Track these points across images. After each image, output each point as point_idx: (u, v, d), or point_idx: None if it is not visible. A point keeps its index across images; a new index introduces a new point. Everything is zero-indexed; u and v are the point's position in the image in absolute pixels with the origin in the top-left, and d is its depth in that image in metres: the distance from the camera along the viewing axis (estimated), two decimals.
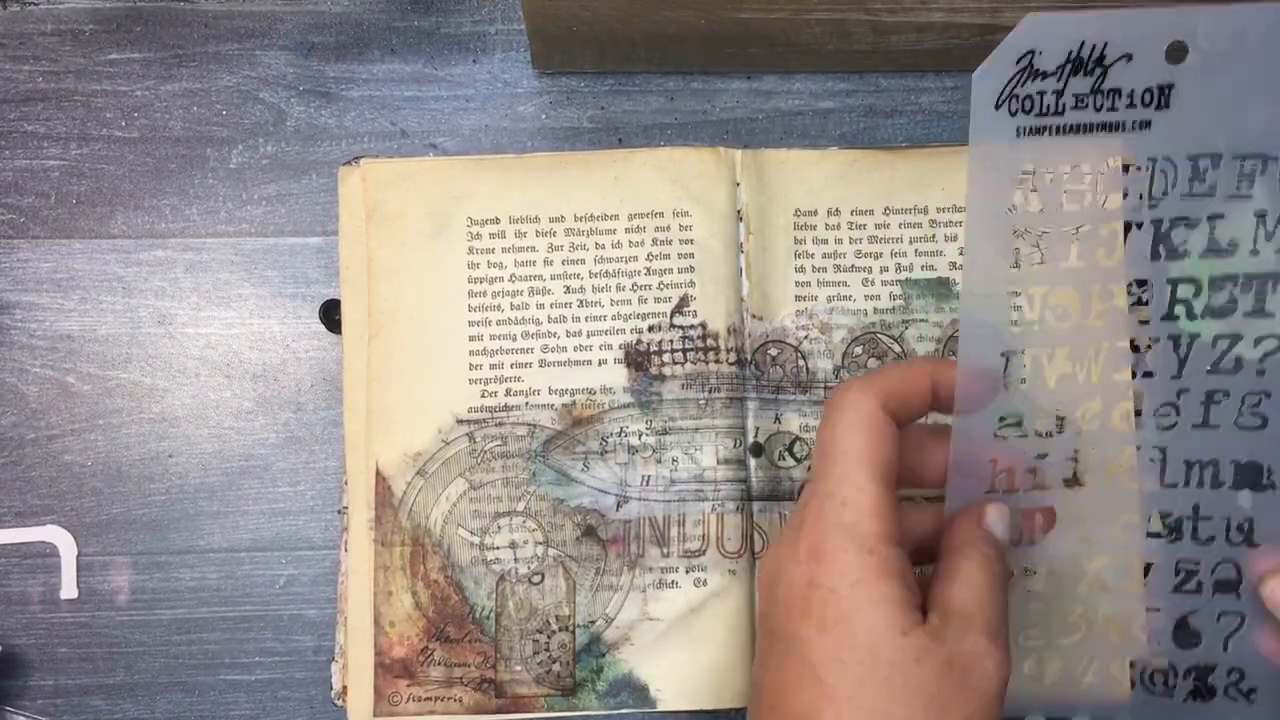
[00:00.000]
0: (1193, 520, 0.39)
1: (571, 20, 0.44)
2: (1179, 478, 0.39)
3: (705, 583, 0.44)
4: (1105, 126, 0.35)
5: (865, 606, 0.32)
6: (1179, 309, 0.38)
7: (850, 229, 0.46)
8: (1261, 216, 0.37)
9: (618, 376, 0.45)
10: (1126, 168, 0.37)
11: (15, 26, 0.49)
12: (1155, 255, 0.37)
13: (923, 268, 0.46)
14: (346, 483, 0.45)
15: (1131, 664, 0.40)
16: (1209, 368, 0.39)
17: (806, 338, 0.45)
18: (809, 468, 0.45)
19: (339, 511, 0.47)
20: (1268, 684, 0.39)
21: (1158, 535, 0.39)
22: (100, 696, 0.46)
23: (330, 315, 0.46)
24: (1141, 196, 0.36)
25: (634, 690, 0.44)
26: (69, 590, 0.46)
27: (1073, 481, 0.39)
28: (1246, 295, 0.38)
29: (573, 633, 0.44)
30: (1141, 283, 0.38)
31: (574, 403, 0.45)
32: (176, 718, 0.46)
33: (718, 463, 0.44)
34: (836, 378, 0.46)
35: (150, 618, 0.46)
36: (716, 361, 0.45)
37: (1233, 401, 0.39)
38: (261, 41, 0.49)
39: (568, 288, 0.45)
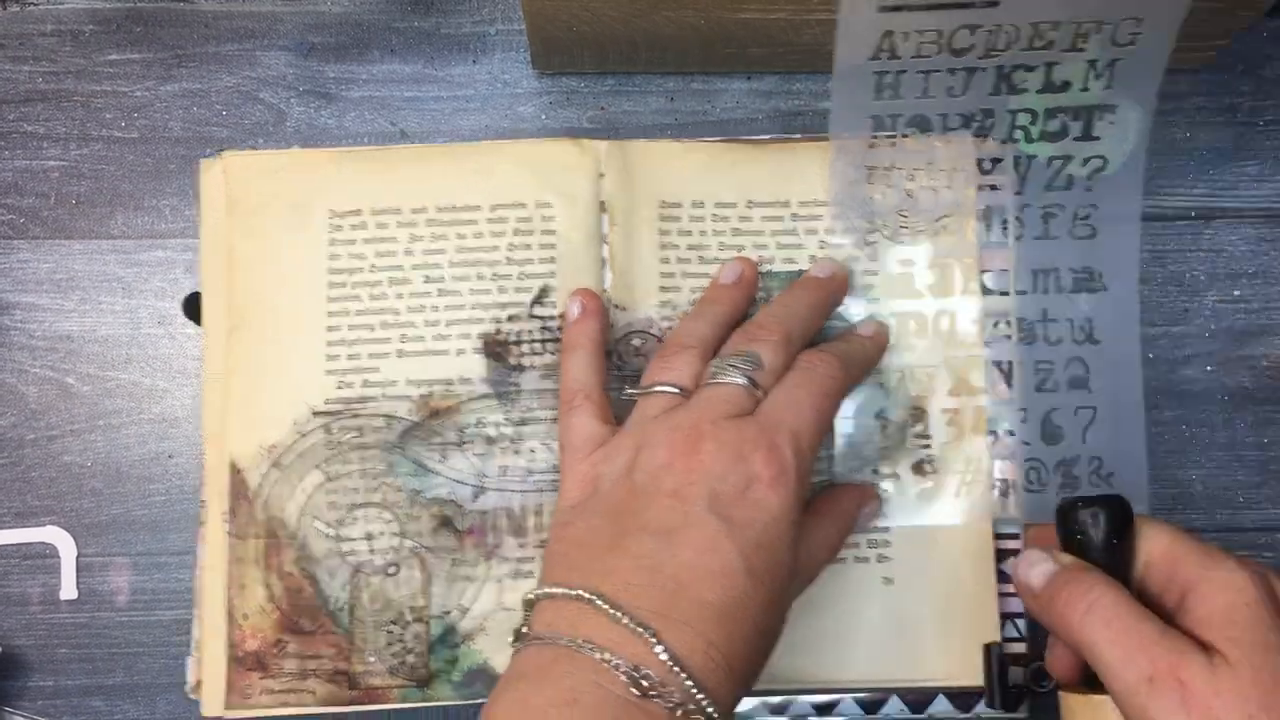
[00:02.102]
0: (1043, 323, 0.45)
1: (571, 21, 0.44)
2: (1027, 285, 0.46)
3: None
4: (957, 5, 0.41)
5: None
6: (1018, 133, 0.45)
7: (714, 221, 0.46)
8: (1093, 63, 0.43)
9: (476, 367, 0.45)
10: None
11: (15, 27, 0.49)
12: (997, 91, 0.44)
13: (784, 260, 0.46)
14: (204, 476, 0.45)
15: (1008, 481, 0.45)
16: (1045, 186, 0.46)
17: (670, 328, 0.45)
18: None
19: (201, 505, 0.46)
20: (1122, 467, 0.45)
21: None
22: (100, 697, 0.46)
23: (193, 307, 0.46)
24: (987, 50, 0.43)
25: (489, 680, 0.43)
26: (69, 591, 0.46)
27: None
28: (1077, 123, 0.45)
29: (427, 624, 0.44)
30: (987, 112, 0.45)
31: (431, 393, 0.45)
32: (176, 718, 0.46)
33: None
34: None
35: (150, 618, 0.46)
36: None
37: (1067, 214, 0.46)
38: (261, 42, 0.49)
39: (427, 277, 0.45)
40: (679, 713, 0.32)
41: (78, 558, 0.47)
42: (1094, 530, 0.36)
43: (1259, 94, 0.49)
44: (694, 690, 0.33)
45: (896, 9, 0.40)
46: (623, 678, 0.32)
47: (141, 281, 0.48)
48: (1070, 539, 0.37)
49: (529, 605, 0.36)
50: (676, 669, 0.33)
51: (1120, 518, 0.36)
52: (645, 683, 0.32)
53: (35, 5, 0.49)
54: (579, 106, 0.49)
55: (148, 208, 0.48)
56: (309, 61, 0.49)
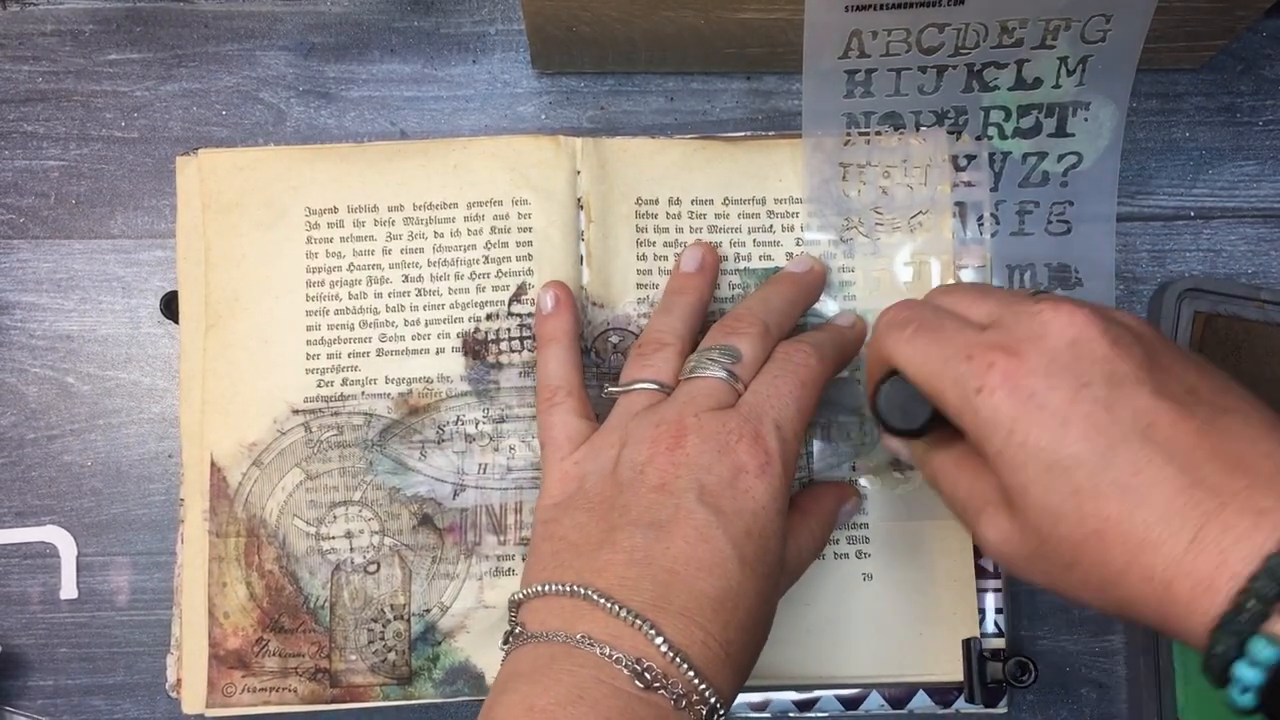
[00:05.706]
0: None
1: (571, 20, 0.44)
2: (1003, 281, 0.47)
3: None
4: (923, 3, 0.41)
5: None
6: (992, 130, 0.46)
7: (691, 218, 0.46)
8: (1064, 59, 0.44)
9: (455, 365, 0.45)
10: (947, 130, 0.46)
11: (15, 27, 0.49)
12: (969, 89, 0.45)
13: (760, 257, 0.46)
14: (183, 475, 0.45)
15: None
16: (1020, 182, 0.46)
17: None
18: None
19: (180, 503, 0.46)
20: None
21: None
22: (100, 696, 0.46)
23: (171, 306, 0.46)
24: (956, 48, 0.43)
25: (470, 678, 0.43)
26: (69, 590, 0.46)
27: None
28: (1050, 120, 0.45)
29: (408, 621, 0.44)
30: (960, 110, 0.45)
31: (410, 391, 0.45)
32: (176, 717, 0.46)
33: None
34: None
35: (150, 617, 0.46)
36: None
37: (1042, 210, 0.46)
38: (261, 42, 0.49)
39: (406, 276, 0.45)
40: (683, 704, 0.32)
41: (78, 557, 0.47)
42: (899, 422, 0.36)
43: (1258, 94, 0.49)
44: (696, 680, 0.33)
45: (862, 8, 0.40)
46: (625, 671, 0.32)
47: (141, 281, 0.48)
48: (894, 431, 0.36)
49: (515, 605, 0.36)
50: (677, 660, 0.33)
51: (904, 397, 0.35)
52: (648, 675, 0.32)
53: (35, 5, 0.49)
54: (579, 106, 0.49)
55: (148, 207, 0.48)
56: (309, 61, 0.49)
